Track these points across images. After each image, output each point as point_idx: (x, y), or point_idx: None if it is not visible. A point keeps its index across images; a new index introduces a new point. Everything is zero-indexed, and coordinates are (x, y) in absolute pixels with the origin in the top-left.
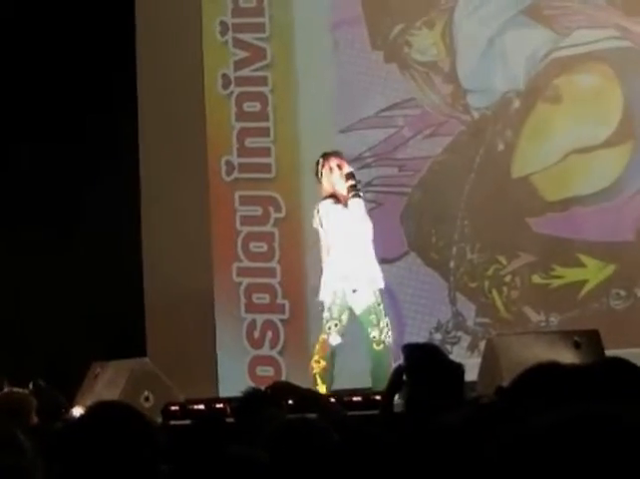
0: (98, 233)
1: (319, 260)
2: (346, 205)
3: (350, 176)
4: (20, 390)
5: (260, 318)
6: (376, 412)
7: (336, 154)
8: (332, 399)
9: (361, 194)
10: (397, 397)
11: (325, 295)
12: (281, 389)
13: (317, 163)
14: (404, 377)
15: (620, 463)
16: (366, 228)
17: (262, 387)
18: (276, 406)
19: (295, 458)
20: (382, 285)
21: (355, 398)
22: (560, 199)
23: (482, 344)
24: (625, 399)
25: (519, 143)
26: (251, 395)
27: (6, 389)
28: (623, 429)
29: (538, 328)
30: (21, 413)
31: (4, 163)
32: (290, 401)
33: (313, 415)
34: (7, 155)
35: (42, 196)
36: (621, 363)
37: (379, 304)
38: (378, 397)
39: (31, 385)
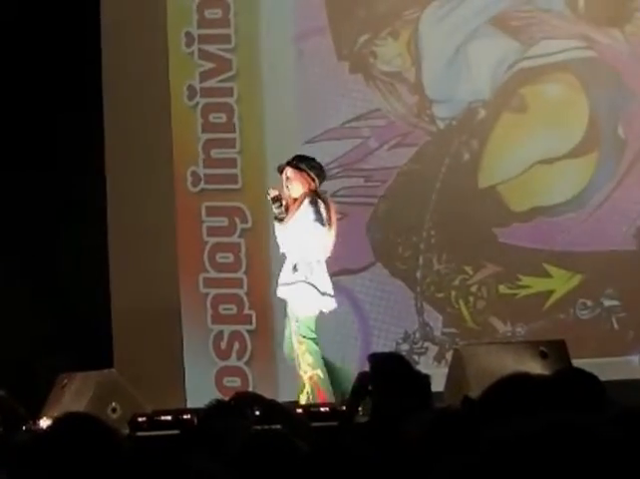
0: (64, 244)
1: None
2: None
3: (273, 199)
4: None
5: (227, 329)
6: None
7: (294, 164)
8: (298, 410)
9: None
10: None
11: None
12: (245, 400)
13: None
14: (369, 387)
15: (592, 473)
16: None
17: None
18: (240, 417)
19: (264, 471)
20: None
21: (322, 409)
22: (526, 209)
23: (450, 355)
24: (587, 410)
25: (485, 153)
26: (215, 407)
27: None
28: (595, 440)
29: (505, 338)
30: None
31: None
32: (257, 412)
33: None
34: None
35: (13, 200)
36: (582, 375)
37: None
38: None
39: None
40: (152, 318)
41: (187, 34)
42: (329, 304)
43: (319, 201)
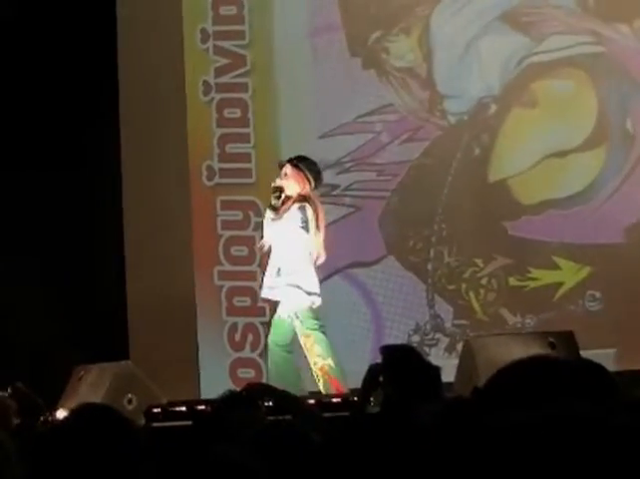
0: (81, 237)
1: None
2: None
3: (275, 189)
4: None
5: (241, 321)
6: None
7: (294, 163)
8: (310, 401)
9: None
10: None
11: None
12: (257, 391)
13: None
14: (380, 378)
15: (602, 463)
16: None
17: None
18: (253, 408)
19: (276, 461)
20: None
21: (334, 399)
22: (536, 202)
23: (460, 346)
24: (596, 400)
25: (496, 147)
26: (227, 398)
27: None
28: (605, 429)
29: (515, 330)
30: (1, 417)
31: None
32: (268, 403)
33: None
34: None
35: (31, 197)
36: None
37: None
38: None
39: (9, 388)
40: (167, 310)
41: (203, 30)
42: (317, 301)
43: (307, 206)
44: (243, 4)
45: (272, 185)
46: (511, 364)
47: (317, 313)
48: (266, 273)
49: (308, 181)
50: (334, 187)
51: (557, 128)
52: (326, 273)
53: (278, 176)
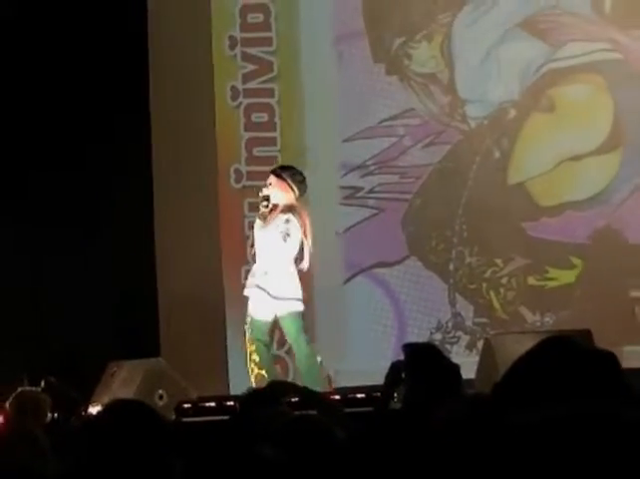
0: (114, 238)
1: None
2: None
3: (263, 198)
4: (34, 389)
5: None
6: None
7: (277, 172)
8: (335, 397)
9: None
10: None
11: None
12: (280, 388)
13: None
14: (402, 375)
15: (621, 459)
16: None
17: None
18: (277, 404)
19: (302, 455)
20: None
21: (359, 395)
22: (554, 204)
23: (481, 343)
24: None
25: (515, 151)
26: (251, 395)
27: (19, 389)
28: (621, 425)
29: (534, 328)
30: (36, 411)
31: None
32: (292, 399)
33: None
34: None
35: (65, 198)
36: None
37: None
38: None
39: (43, 383)
40: (196, 309)
41: (231, 37)
42: (289, 308)
43: (292, 218)
44: (270, 12)
45: (259, 194)
46: (524, 356)
47: (268, 328)
48: (251, 273)
49: (292, 189)
50: (358, 189)
51: (575, 132)
52: (351, 273)
53: (264, 187)
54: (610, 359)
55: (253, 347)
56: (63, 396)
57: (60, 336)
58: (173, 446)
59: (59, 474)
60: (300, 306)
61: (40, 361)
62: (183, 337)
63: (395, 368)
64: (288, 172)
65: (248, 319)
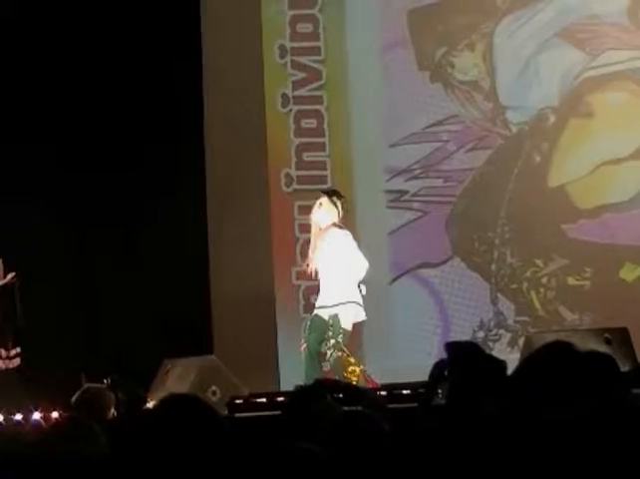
0: (168, 239)
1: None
2: None
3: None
4: (98, 386)
5: None
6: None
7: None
8: (380, 393)
9: None
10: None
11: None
12: (326, 385)
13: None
14: (445, 373)
15: None
16: None
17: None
18: (325, 400)
19: (351, 449)
20: None
21: (404, 391)
22: (593, 206)
23: (521, 341)
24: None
25: (555, 155)
26: (300, 392)
27: (85, 385)
28: None
29: (573, 326)
30: (100, 407)
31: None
32: (338, 396)
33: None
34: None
35: (118, 202)
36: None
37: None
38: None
39: (108, 380)
40: (248, 308)
41: (281, 46)
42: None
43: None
44: (319, 22)
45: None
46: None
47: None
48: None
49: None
50: (403, 192)
51: (612, 137)
52: (396, 274)
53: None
54: (607, 361)
55: (345, 354)
56: (127, 393)
57: (117, 336)
58: (227, 441)
59: (113, 466)
60: None
61: (97, 360)
62: (236, 336)
63: (438, 367)
64: (336, 195)
65: (341, 331)
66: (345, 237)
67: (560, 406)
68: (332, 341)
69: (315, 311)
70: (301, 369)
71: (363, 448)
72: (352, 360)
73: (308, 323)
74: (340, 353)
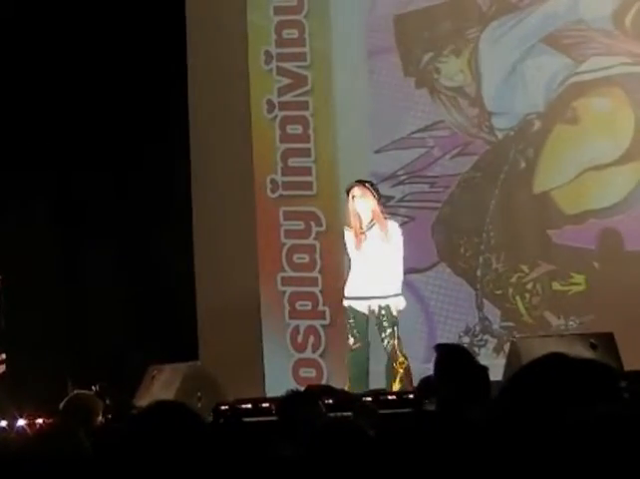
0: (154, 246)
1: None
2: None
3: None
4: (87, 392)
5: (303, 324)
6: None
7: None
8: (367, 398)
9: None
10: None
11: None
12: (317, 390)
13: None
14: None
15: None
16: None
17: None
18: (313, 406)
19: (334, 455)
20: None
21: (390, 397)
22: (578, 212)
23: (507, 347)
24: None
25: (540, 161)
26: (290, 396)
27: (74, 391)
28: None
29: (558, 331)
30: (88, 414)
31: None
32: (328, 401)
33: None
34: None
35: (106, 205)
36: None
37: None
38: (411, 396)
39: (96, 387)
40: (234, 314)
41: (266, 52)
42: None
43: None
44: (304, 28)
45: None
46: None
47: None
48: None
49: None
50: (389, 198)
51: (597, 143)
52: None
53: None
54: (606, 370)
55: (399, 345)
56: (115, 400)
57: (103, 343)
58: (212, 446)
59: (99, 472)
60: None
61: (84, 367)
62: (221, 342)
63: (425, 383)
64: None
65: (396, 320)
66: (399, 229)
67: (555, 413)
68: (389, 331)
69: (369, 302)
70: (380, 368)
71: (343, 454)
72: (404, 352)
73: (383, 317)
74: (396, 342)
